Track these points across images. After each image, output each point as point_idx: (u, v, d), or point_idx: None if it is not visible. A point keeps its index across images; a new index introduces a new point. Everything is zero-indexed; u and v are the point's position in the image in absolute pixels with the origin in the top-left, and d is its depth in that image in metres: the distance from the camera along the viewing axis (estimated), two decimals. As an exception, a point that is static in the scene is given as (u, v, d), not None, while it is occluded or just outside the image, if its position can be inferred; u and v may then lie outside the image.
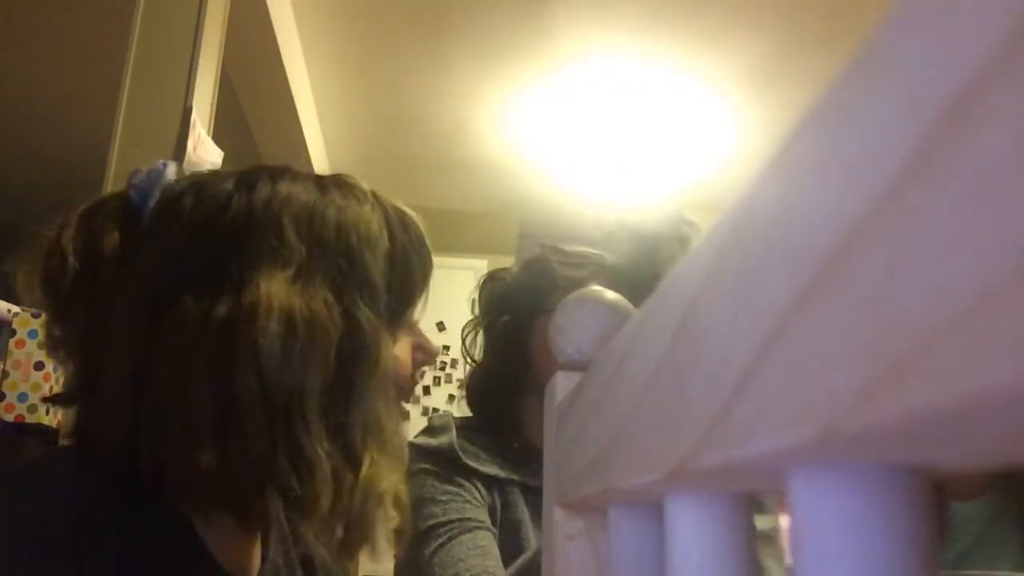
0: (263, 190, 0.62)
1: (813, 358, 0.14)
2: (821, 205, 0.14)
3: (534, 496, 0.97)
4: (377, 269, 0.63)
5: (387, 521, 0.61)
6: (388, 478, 0.60)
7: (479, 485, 0.95)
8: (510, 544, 0.93)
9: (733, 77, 3.16)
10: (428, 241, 0.69)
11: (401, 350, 0.69)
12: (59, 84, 3.32)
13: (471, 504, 0.93)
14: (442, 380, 4.39)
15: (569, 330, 0.36)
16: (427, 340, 0.74)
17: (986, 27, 0.10)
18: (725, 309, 0.18)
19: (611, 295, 0.37)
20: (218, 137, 2.10)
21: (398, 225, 0.67)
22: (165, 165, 0.64)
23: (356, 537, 0.59)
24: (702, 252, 0.20)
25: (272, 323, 0.55)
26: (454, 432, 0.98)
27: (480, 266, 4.55)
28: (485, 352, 1.07)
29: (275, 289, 0.56)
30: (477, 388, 1.06)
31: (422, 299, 0.70)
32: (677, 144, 3.70)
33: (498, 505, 0.96)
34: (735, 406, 0.16)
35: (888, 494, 0.14)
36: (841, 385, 0.13)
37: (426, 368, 0.74)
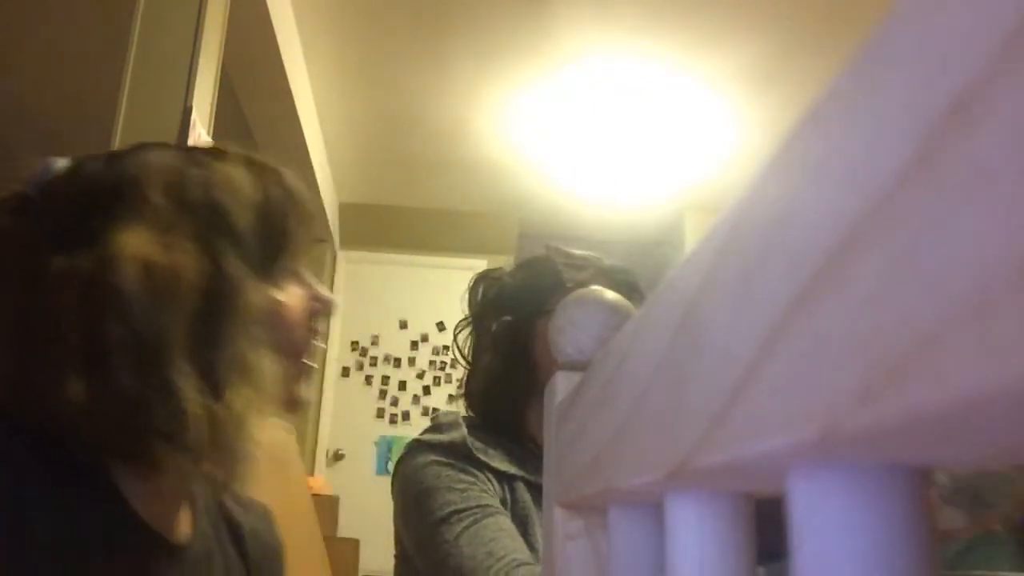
0: (131, 159, 0.65)
1: (813, 358, 0.14)
2: (821, 205, 0.14)
3: (538, 493, 0.97)
4: (245, 220, 0.66)
5: (251, 455, 0.64)
6: (255, 415, 0.63)
7: (491, 477, 0.96)
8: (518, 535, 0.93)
9: (733, 77, 3.16)
10: (306, 195, 0.72)
11: (291, 299, 0.72)
12: (59, 84, 3.32)
13: (487, 494, 0.94)
14: (442, 380, 4.39)
15: (569, 330, 0.36)
16: (323, 291, 0.76)
17: (986, 27, 0.10)
18: (725, 309, 0.18)
19: (611, 295, 0.37)
20: (218, 137, 2.10)
21: (272, 180, 0.69)
22: (55, 161, 0.68)
23: (227, 471, 0.63)
24: (702, 252, 0.20)
25: (132, 271, 0.59)
26: (464, 428, 0.99)
27: (480, 266, 4.55)
28: (484, 353, 1.06)
29: (134, 241, 0.60)
30: (480, 390, 1.05)
31: (299, 249, 0.72)
32: (677, 144, 3.70)
33: (508, 499, 0.96)
34: (735, 406, 0.16)
35: (888, 494, 0.14)
36: (841, 385, 0.13)
37: (322, 318, 0.77)
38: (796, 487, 0.16)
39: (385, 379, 4.36)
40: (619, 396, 0.26)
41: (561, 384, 0.37)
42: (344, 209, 4.50)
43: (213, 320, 0.62)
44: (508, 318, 1.03)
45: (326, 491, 3.56)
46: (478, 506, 0.91)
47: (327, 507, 3.07)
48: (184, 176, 0.65)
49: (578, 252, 1.06)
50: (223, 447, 0.61)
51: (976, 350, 0.10)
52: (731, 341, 0.17)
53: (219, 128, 2.13)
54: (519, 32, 2.97)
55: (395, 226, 4.53)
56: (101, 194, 0.63)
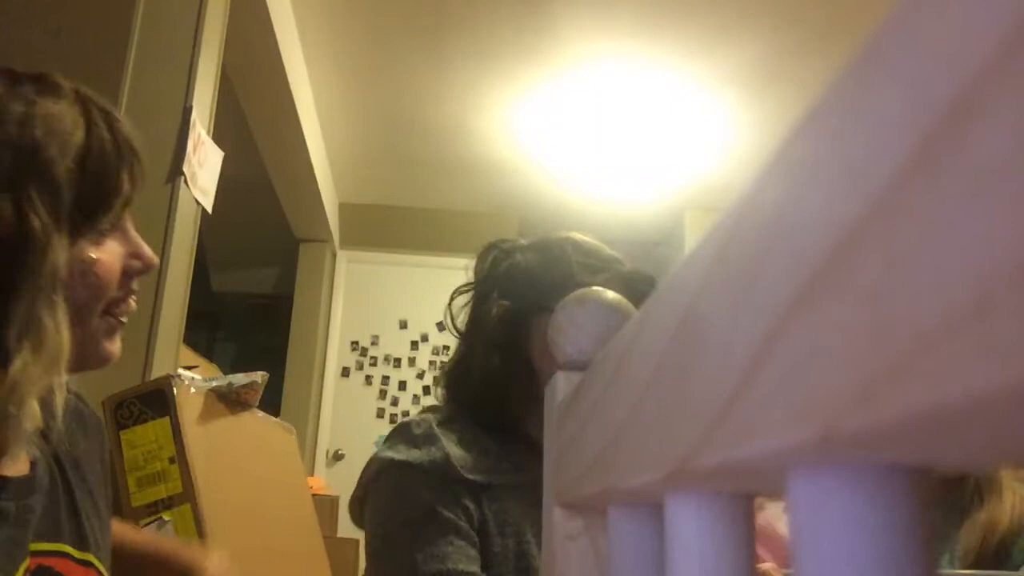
0: None
1: (813, 358, 0.14)
2: (821, 205, 0.14)
3: (522, 491, 0.92)
4: (61, 165, 0.60)
5: (24, 422, 0.59)
6: (38, 382, 0.59)
7: (469, 502, 0.89)
8: (516, 551, 0.89)
9: (732, 78, 3.16)
10: (137, 144, 0.66)
11: (107, 255, 0.66)
12: (59, 84, 3.31)
13: (464, 546, 0.86)
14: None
15: (569, 330, 0.36)
16: (143, 247, 0.71)
17: (986, 27, 0.10)
18: (725, 309, 0.18)
19: (611, 295, 0.37)
20: (218, 137, 2.10)
21: (100, 122, 0.64)
22: None
23: None
24: (702, 252, 0.20)
25: None
26: (442, 441, 0.92)
27: (480, 266, 4.55)
28: (478, 337, 0.98)
29: None
30: (473, 387, 0.97)
31: (122, 203, 0.67)
32: (676, 144, 3.70)
33: (490, 516, 0.90)
34: (735, 406, 0.16)
35: (888, 494, 0.14)
36: (841, 385, 0.13)
37: (139, 275, 0.71)
38: (796, 487, 0.16)
39: (385, 379, 4.36)
40: (619, 396, 0.26)
41: (561, 384, 0.37)
42: (344, 209, 4.50)
43: (7, 275, 0.57)
44: (507, 303, 0.96)
45: (326, 491, 3.56)
46: (463, 572, 0.85)
47: (327, 507, 3.07)
48: (2, 108, 0.59)
49: (600, 249, 0.99)
50: None
51: (976, 350, 0.10)
52: (731, 341, 0.17)
53: (219, 128, 2.13)
54: (519, 33, 2.97)
55: (395, 226, 4.53)
56: None
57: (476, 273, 1.03)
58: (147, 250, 0.71)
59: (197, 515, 1.27)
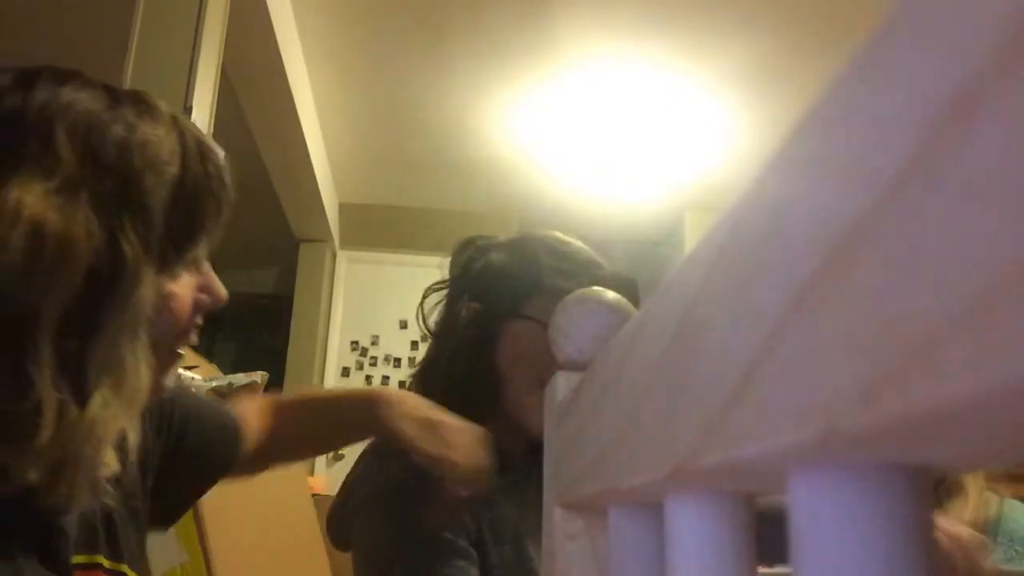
0: (42, 91, 0.56)
1: (813, 358, 0.14)
2: (821, 205, 0.14)
3: (515, 497, 0.90)
4: (157, 197, 0.58)
5: (99, 468, 0.57)
6: (115, 423, 0.56)
7: (466, 516, 0.86)
8: (515, 556, 0.87)
9: (732, 78, 3.16)
10: (228, 178, 0.64)
11: (182, 289, 0.64)
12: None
13: (462, 570, 0.84)
14: (442, 380, 4.39)
15: (569, 330, 0.36)
16: (215, 282, 0.68)
17: (986, 27, 0.10)
18: (725, 309, 0.18)
19: (611, 295, 0.37)
20: (218, 137, 2.10)
21: (194, 153, 0.61)
22: None
23: (61, 478, 0.54)
24: (702, 252, 0.20)
25: (16, 234, 0.51)
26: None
27: (480, 266, 4.55)
28: (447, 340, 0.95)
29: (28, 199, 0.52)
30: (437, 391, 0.91)
31: (208, 237, 0.65)
32: (676, 144, 3.70)
33: (485, 525, 0.87)
34: (735, 406, 0.16)
35: (888, 494, 0.14)
36: (841, 385, 0.13)
37: (207, 310, 0.68)
38: (796, 487, 0.16)
39: (385, 379, 4.35)
40: (619, 396, 0.26)
41: (561, 384, 0.37)
42: (344, 209, 4.50)
43: (94, 307, 0.54)
44: (477, 306, 0.94)
45: (326, 491, 3.56)
46: None
47: (327, 507, 3.07)
48: (103, 129, 0.57)
49: (576, 252, 0.96)
50: (66, 456, 0.53)
51: (976, 350, 0.10)
52: (731, 341, 0.17)
53: (219, 128, 2.13)
54: (520, 33, 2.97)
55: (395, 226, 4.53)
56: (2, 128, 0.54)
57: (451, 270, 1.00)
58: (219, 285, 0.69)
59: (197, 515, 1.27)
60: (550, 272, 0.92)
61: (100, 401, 0.54)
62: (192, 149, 0.61)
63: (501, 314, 0.92)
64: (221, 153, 0.64)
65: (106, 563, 0.66)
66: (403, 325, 4.39)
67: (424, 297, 1.01)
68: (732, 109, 3.38)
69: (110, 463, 0.57)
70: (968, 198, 0.10)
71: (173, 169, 0.59)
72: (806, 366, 0.14)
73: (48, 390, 0.51)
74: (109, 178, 0.55)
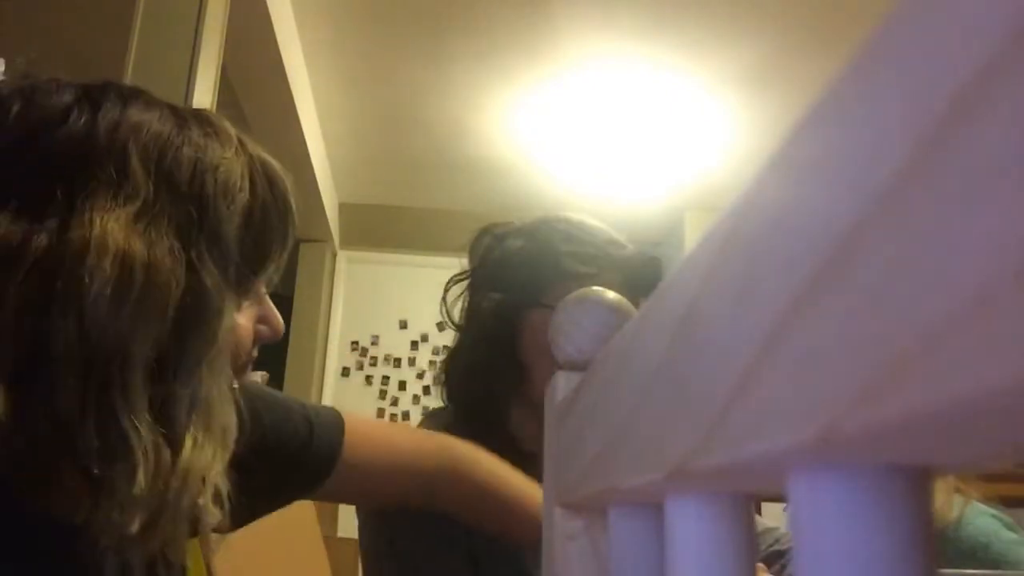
0: (111, 111, 0.53)
1: (813, 358, 0.14)
2: (821, 205, 0.14)
3: None
4: (231, 224, 0.55)
5: (206, 515, 0.53)
6: (212, 465, 0.52)
7: (456, 531, 0.84)
8: (504, 560, 0.86)
9: (732, 78, 3.16)
10: (294, 202, 0.61)
11: (244, 320, 0.60)
12: (59, 84, 3.31)
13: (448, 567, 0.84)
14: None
15: (569, 330, 0.36)
16: (274, 313, 0.64)
17: (986, 26, 0.10)
18: (725, 309, 0.18)
19: (611, 295, 0.37)
20: (218, 137, 2.10)
21: (262, 178, 0.58)
22: None
23: (162, 530, 0.50)
24: (702, 252, 0.20)
25: (105, 264, 0.47)
26: None
27: (480, 266, 4.55)
28: (469, 330, 0.95)
29: (112, 226, 0.48)
30: (459, 380, 0.94)
31: (276, 266, 0.61)
32: (676, 144, 3.70)
33: (477, 537, 0.85)
34: (735, 406, 0.16)
35: (888, 494, 0.14)
36: (841, 385, 0.13)
37: (265, 342, 0.64)
38: (796, 487, 0.16)
39: (385, 379, 4.36)
40: (619, 396, 0.26)
41: (561, 384, 0.37)
42: (344, 209, 4.50)
43: (183, 343, 0.50)
44: (497, 296, 0.92)
45: (326, 491, 3.55)
46: None
47: (327, 507, 3.06)
48: (175, 152, 0.53)
49: (594, 235, 0.95)
50: (163, 505, 0.49)
51: (976, 350, 0.10)
52: (731, 341, 0.17)
53: (219, 128, 2.13)
54: (520, 33, 2.97)
55: (395, 226, 4.53)
56: (69, 147, 0.51)
57: (470, 260, 0.99)
58: (277, 317, 0.65)
59: (197, 515, 1.27)
60: (568, 258, 0.91)
61: (192, 444, 0.50)
62: (260, 173, 0.58)
63: (522, 304, 0.91)
64: (287, 178, 0.61)
65: None
66: (403, 325, 4.39)
67: (446, 290, 0.99)
68: (732, 109, 3.38)
69: (211, 511, 0.54)
70: (968, 198, 0.10)
71: (244, 195, 0.56)
72: (806, 366, 0.14)
73: (138, 435, 0.47)
74: (185, 204, 0.52)
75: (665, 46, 2.99)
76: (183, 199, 0.52)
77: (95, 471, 0.47)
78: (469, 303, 0.97)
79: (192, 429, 0.51)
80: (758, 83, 3.17)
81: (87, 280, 0.46)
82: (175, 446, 0.50)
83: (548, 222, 0.98)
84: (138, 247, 0.49)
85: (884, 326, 0.12)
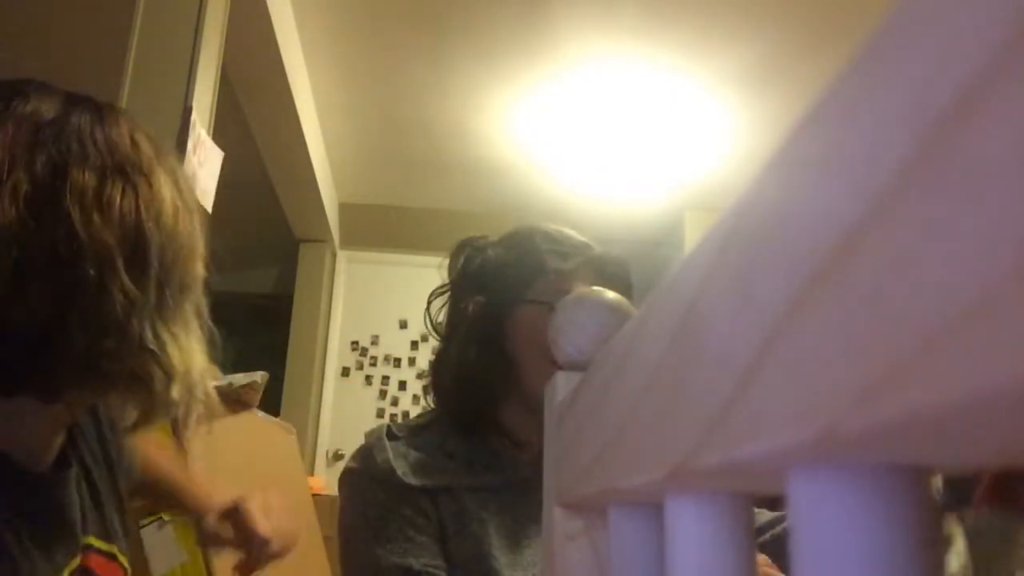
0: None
1: (813, 358, 0.14)
2: (821, 205, 0.14)
3: (487, 494, 0.92)
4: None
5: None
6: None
7: (425, 504, 0.89)
8: (473, 555, 0.88)
9: (732, 78, 3.16)
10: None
11: None
12: (58, 84, 3.31)
13: (417, 538, 0.87)
14: (442, 380, 4.38)
15: (569, 330, 0.36)
16: None
17: (986, 27, 0.10)
18: (725, 309, 0.18)
19: (611, 295, 0.37)
20: (218, 137, 2.10)
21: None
22: None
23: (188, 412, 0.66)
24: (703, 252, 0.20)
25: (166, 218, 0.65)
26: (389, 452, 0.92)
27: (480, 266, 4.54)
28: (455, 335, 0.98)
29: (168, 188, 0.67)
30: (450, 383, 0.97)
31: None
32: (676, 144, 3.70)
33: (447, 518, 0.90)
34: (735, 406, 0.16)
35: (888, 494, 0.14)
36: (841, 385, 0.13)
37: None
38: (796, 487, 0.16)
39: (385, 379, 4.36)
40: (619, 396, 0.26)
41: (561, 384, 0.37)
42: (344, 209, 4.50)
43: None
44: (482, 299, 0.96)
45: (326, 491, 3.56)
46: (401, 569, 0.85)
47: (327, 507, 3.07)
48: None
49: (569, 236, 0.99)
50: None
51: (976, 350, 0.10)
52: (731, 341, 0.17)
53: (219, 128, 2.13)
54: (520, 33, 2.97)
55: (395, 226, 4.53)
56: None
57: (449, 272, 1.03)
58: None
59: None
60: (550, 255, 0.95)
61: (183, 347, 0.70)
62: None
63: (507, 302, 0.95)
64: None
65: (100, 544, 0.69)
66: (403, 325, 4.39)
67: (428, 304, 1.03)
68: (732, 109, 3.38)
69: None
70: (968, 198, 0.10)
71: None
72: (806, 366, 0.14)
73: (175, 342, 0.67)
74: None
75: (665, 46, 2.99)
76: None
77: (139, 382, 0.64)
78: (452, 311, 1.01)
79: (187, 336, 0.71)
80: (758, 83, 3.17)
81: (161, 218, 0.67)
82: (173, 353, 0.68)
83: (525, 228, 1.02)
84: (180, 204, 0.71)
85: (884, 326, 0.12)
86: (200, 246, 0.71)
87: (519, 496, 0.92)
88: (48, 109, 0.66)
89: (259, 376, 1.72)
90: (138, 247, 0.62)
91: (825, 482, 0.15)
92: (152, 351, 0.62)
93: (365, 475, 0.92)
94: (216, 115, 2.11)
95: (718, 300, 0.18)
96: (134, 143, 0.66)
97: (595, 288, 0.38)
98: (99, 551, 0.69)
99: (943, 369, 0.10)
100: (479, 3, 2.82)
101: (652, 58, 3.07)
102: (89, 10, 2.84)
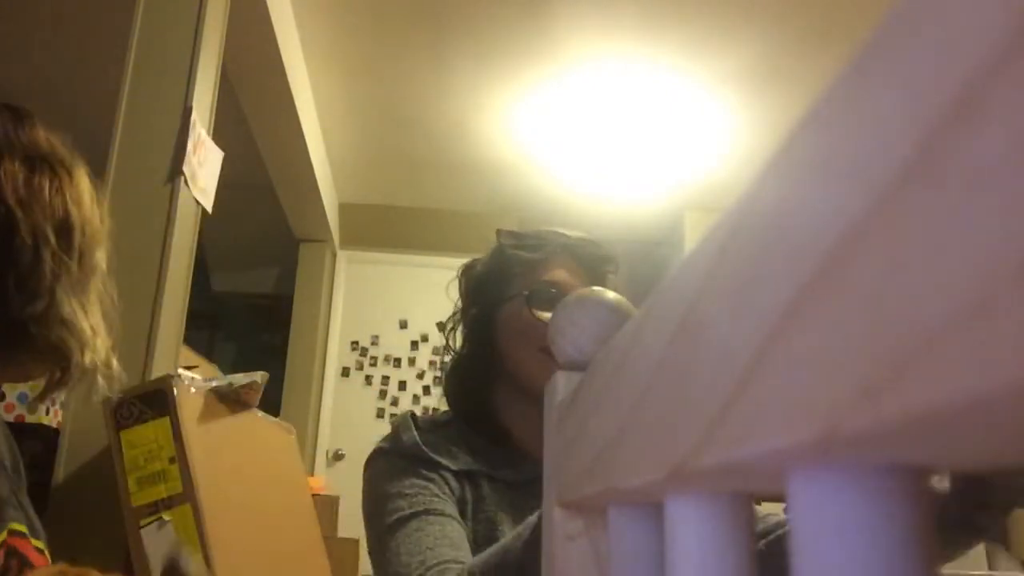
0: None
1: (813, 358, 0.14)
2: (821, 204, 0.14)
3: (503, 487, 0.98)
4: None
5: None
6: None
7: (448, 478, 0.96)
8: (485, 537, 0.93)
9: (731, 78, 3.16)
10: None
11: None
12: (59, 84, 3.32)
13: (439, 497, 0.93)
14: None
15: (569, 330, 0.36)
16: None
17: (986, 27, 0.10)
18: (725, 309, 0.18)
19: (611, 295, 0.37)
20: (218, 137, 2.10)
21: None
22: None
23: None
24: (703, 252, 0.20)
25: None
26: (414, 431, 0.99)
27: (480, 266, 4.54)
28: (460, 344, 1.08)
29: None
30: (451, 377, 1.07)
31: None
32: (676, 144, 3.70)
33: (469, 498, 0.96)
34: (735, 406, 0.16)
35: (888, 494, 0.14)
36: (841, 385, 0.13)
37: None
38: (796, 487, 0.16)
39: (385, 379, 4.36)
40: (619, 396, 0.26)
41: (561, 384, 0.37)
42: (344, 209, 4.50)
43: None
44: (474, 310, 1.06)
45: (326, 491, 3.56)
46: (425, 511, 0.91)
47: (327, 507, 3.07)
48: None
49: (537, 230, 1.07)
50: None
51: (976, 350, 0.10)
52: (731, 341, 0.17)
53: (219, 128, 2.13)
54: (520, 33, 2.97)
55: (395, 226, 4.53)
56: None
57: (455, 302, 1.13)
58: None
59: (197, 515, 1.27)
60: (516, 252, 1.04)
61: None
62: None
63: (493, 306, 1.03)
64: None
65: (20, 528, 0.73)
66: (403, 325, 4.39)
67: (444, 329, 1.13)
68: (732, 109, 3.38)
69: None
70: (968, 198, 0.10)
71: None
72: (806, 366, 0.14)
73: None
74: None
75: (665, 46, 2.99)
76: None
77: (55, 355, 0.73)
78: (460, 328, 1.11)
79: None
80: (758, 83, 3.17)
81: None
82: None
83: (498, 238, 1.11)
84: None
85: (884, 326, 0.12)
86: (104, 238, 0.77)
87: (531, 497, 0.96)
88: None
89: (259, 376, 1.72)
90: (65, 225, 0.70)
91: (825, 482, 0.15)
92: (69, 321, 0.69)
93: (393, 452, 0.98)
94: (216, 115, 2.11)
95: (718, 300, 0.18)
96: (50, 143, 0.74)
97: (595, 288, 0.38)
98: (23, 535, 0.72)
99: (943, 369, 0.10)
100: (479, 3, 2.82)
101: (652, 58, 3.06)
102: (89, 10, 2.84)
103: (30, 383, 0.82)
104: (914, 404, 0.11)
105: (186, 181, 1.88)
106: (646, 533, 0.29)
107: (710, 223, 0.20)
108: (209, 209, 2.04)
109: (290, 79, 2.90)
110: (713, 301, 0.19)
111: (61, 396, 0.78)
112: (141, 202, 1.80)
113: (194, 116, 1.91)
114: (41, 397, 0.75)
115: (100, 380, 0.74)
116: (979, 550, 2.48)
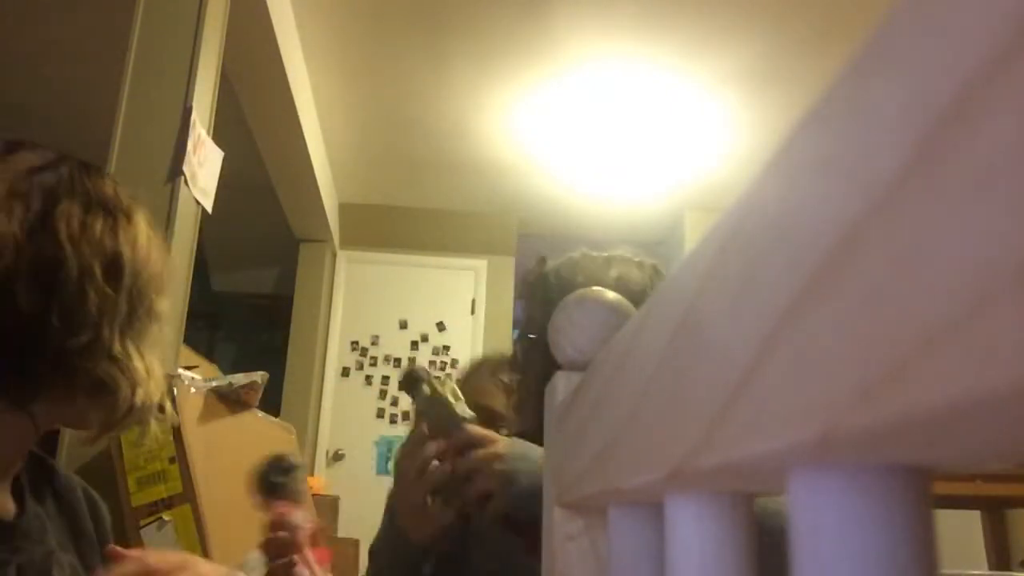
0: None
1: (813, 358, 0.14)
2: (821, 205, 0.14)
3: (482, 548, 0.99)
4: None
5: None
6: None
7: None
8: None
9: (731, 78, 3.16)
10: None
11: None
12: (59, 85, 3.32)
13: None
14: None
15: (569, 330, 0.36)
16: None
17: (986, 26, 0.10)
18: (725, 309, 0.18)
19: (611, 295, 0.37)
20: (218, 137, 2.10)
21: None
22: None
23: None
24: (703, 252, 0.20)
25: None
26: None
27: (480, 266, 4.54)
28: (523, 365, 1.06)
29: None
30: (519, 407, 1.05)
31: None
32: (676, 144, 3.70)
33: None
34: (735, 406, 0.16)
35: (888, 494, 0.14)
36: (841, 385, 0.13)
37: None
38: (796, 487, 0.16)
39: (385, 379, 4.35)
40: (619, 396, 0.26)
41: (561, 384, 0.37)
42: (344, 209, 4.50)
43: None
44: (532, 335, 1.03)
45: (326, 491, 3.56)
46: None
47: (327, 507, 3.07)
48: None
49: (583, 271, 1.00)
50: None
51: (976, 350, 0.10)
52: (731, 341, 0.17)
53: (219, 128, 2.13)
54: (520, 33, 2.97)
55: (395, 226, 4.53)
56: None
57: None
58: None
59: (197, 515, 1.27)
60: (560, 293, 1.01)
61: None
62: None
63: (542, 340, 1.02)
64: None
65: None
66: (403, 325, 4.39)
67: (514, 345, 1.10)
68: (732, 109, 3.38)
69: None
70: (968, 198, 0.10)
71: None
72: (806, 366, 0.14)
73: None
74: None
75: (665, 46, 2.99)
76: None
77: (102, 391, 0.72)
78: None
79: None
80: (758, 83, 3.17)
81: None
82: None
83: (539, 276, 1.08)
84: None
85: (884, 326, 0.12)
86: (167, 287, 0.77)
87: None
88: (43, 158, 0.73)
89: (259, 376, 1.72)
90: (114, 262, 0.70)
91: (825, 482, 0.15)
92: (118, 359, 0.68)
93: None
94: (216, 115, 2.11)
95: (718, 300, 0.18)
96: (115, 191, 0.75)
97: (595, 288, 0.38)
98: None
99: (943, 369, 0.10)
100: (479, 3, 2.82)
101: (652, 58, 3.06)
102: (89, 10, 2.84)
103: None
104: (914, 404, 0.11)
105: (186, 181, 1.88)
106: (646, 533, 0.29)
107: (710, 223, 0.20)
108: (209, 209, 2.04)
109: (290, 79, 2.90)
110: (713, 301, 0.19)
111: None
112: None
113: (194, 116, 1.91)
114: (94, 438, 0.74)
115: (153, 423, 0.74)
116: (979, 550, 2.47)
